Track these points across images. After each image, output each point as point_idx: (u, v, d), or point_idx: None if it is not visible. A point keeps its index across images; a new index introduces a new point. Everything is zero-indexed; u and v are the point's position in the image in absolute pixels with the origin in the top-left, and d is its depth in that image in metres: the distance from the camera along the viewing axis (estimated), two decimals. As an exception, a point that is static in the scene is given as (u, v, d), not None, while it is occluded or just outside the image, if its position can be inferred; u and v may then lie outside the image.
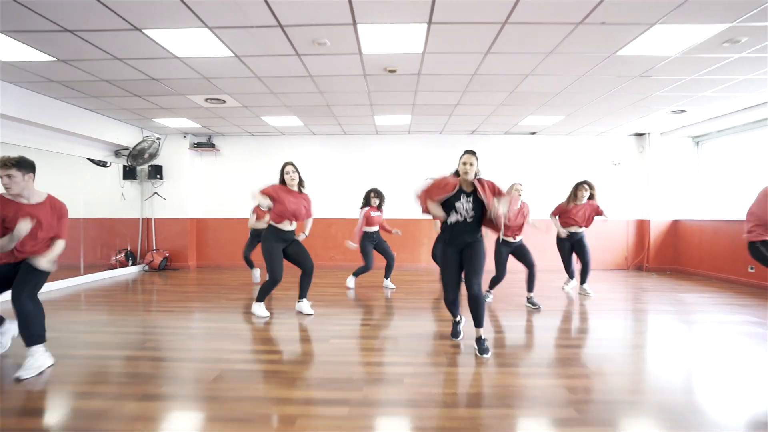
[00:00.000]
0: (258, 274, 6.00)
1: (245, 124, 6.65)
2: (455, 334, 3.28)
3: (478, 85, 4.65)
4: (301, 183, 3.93)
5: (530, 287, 4.37)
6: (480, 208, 2.92)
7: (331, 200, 7.41)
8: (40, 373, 2.54)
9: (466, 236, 2.95)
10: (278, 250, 3.84)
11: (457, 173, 2.99)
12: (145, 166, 7.21)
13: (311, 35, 3.38)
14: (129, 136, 6.72)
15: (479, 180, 2.92)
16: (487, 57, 3.80)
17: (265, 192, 3.75)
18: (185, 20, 3.11)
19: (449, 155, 7.44)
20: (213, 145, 7.51)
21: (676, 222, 7.24)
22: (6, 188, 2.54)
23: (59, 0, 2.81)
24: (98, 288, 5.58)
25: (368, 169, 7.48)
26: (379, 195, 5.24)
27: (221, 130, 7.12)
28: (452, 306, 3.16)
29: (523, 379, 2.52)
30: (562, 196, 5.00)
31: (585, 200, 4.76)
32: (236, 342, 3.27)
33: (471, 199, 2.91)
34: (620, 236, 7.44)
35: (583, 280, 4.99)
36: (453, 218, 2.93)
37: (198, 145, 7.46)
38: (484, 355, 2.88)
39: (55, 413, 2.10)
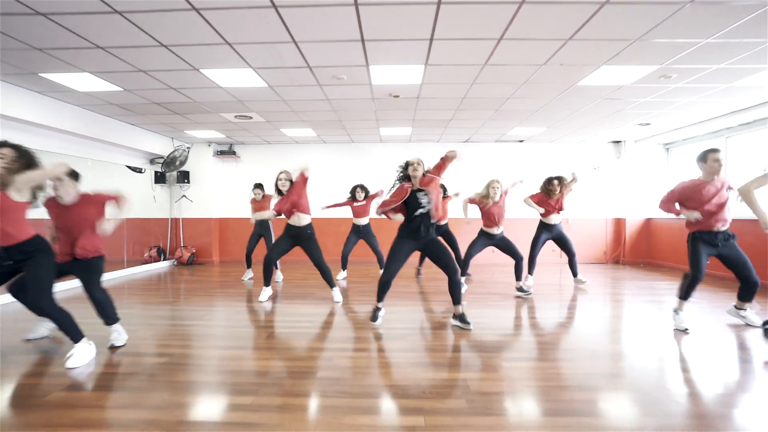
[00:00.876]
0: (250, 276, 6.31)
1: (265, 134, 7.52)
2: (374, 318, 3.69)
3: (468, 106, 5.52)
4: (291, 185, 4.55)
5: (518, 277, 4.95)
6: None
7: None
8: (123, 345, 3.18)
9: (430, 229, 3.50)
10: (283, 239, 4.57)
11: (408, 179, 3.54)
12: (175, 172, 8.08)
13: (332, 72, 4.24)
14: (162, 146, 7.60)
15: (424, 175, 3.48)
16: (473, 86, 4.67)
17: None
18: (235, 63, 3.98)
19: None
20: (234, 153, 8.38)
21: (649, 220, 8.10)
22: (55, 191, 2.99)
23: (140, 50, 3.68)
24: (140, 279, 6.46)
25: (373, 173, 8.32)
26: (364, 189, 6.17)
27: (242, 139, 7.99)
28: (385, 287, 3.62)
29: (496, 336, 3.39)
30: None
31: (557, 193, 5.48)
32: (274, 315, 4.14)
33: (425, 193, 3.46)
34: (599, 233, 8.30)
35: (575, 272, 5.52)
36: (418, 212, 3.44)
37: (221, 153, 8.34)
38: (469, 326, 3.60)
39: (160, 357, 2.95)
